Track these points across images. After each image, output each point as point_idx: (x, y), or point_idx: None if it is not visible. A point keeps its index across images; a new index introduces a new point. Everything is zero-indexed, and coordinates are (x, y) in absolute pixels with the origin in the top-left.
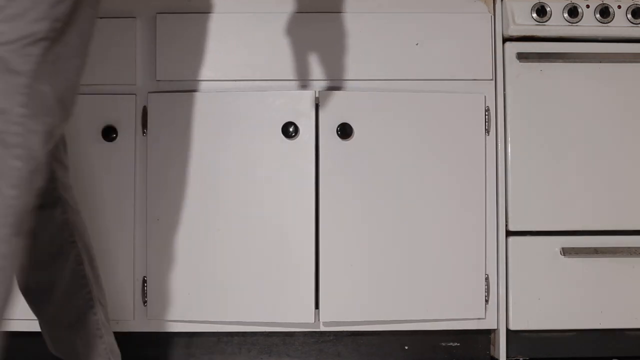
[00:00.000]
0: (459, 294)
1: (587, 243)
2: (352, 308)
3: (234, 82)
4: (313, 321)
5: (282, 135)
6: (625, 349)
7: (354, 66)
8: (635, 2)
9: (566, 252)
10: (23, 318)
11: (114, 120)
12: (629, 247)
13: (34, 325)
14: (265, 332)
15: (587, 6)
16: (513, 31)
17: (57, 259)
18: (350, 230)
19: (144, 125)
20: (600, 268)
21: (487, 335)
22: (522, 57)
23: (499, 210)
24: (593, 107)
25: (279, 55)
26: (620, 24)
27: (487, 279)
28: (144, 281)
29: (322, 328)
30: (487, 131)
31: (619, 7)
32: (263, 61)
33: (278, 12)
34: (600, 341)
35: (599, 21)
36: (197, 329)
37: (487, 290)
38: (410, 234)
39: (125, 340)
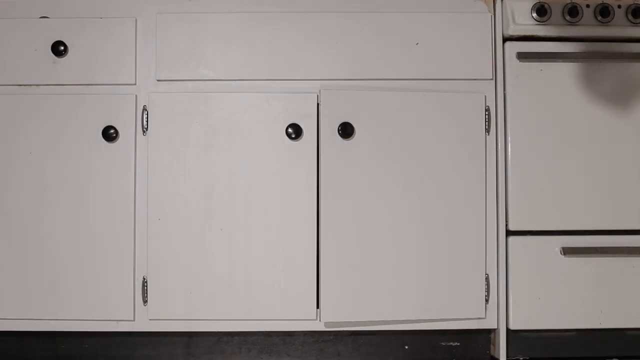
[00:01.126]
0: (459, 294)
1: (587, 243)
2: (352, 308)
3: (235, 82)
4: (314, 321)
5: (285, 136)
6: (625, 349)
7: (354, 66)
8: (636, 2)
9: (566, 251)
10: (18, 318)
11: (114, 120)
12: (629, 247)
13: (29, 325)
14: (265, 331)
15: (587, 6)
16: (513, 31)
17: None
18: (350, 230)
19: (144, 125)
20: (600, 268)
21: (487, 335)
22: (522, 56)
23: (499, 210)
24: (593, 106)
25: (280, 55)
26: (620, 24)
27: (487, 278)
28: (144, 281)
29: (323, 328)
30: (487, 131)
31: (619, 6)
32: (263, 61)
33: (278, 11)
34: (600, 341)
35: (599, 21)
36: (197, 328)
37: (487, 290)
38: (411, 234)
39: (125, 340)
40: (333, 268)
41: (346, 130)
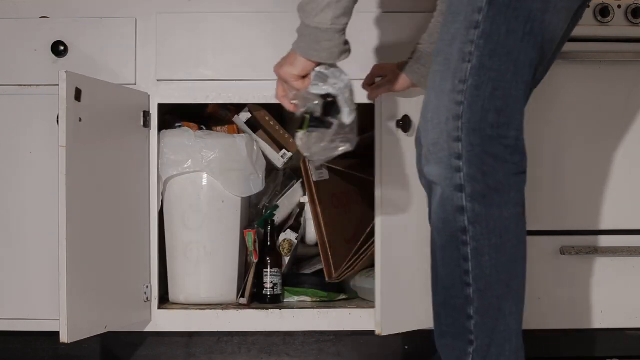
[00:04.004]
0: None
1: (587, 243)
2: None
3: (235, 81)
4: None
5: None
6: (625, 349)
7: (356, 65)
8: (636, 2)
9: (566, 251)
10: (18, 318)
11: None
12: (629, 247)
13: (29, 325)
14: (265, 331)
15: (587, 6)
16: None
17: None
18: None
19: (145, 124)
20: (600, 268)
21: None
22: None
23: None
24: (592, 106)
25: (280, 55)
26: (620, 24)
27: None
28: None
29: (323, 328)
30: None
31: (619, 6)
32: (264, 61)
33: (279, 11)
34: (600, 341)
35: (599, 21)
36: (197, 328)
37: None
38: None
39: (125, 340)
40: None
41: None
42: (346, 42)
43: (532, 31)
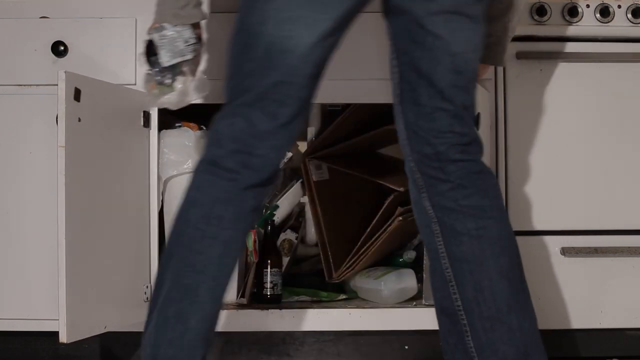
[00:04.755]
0: None
1: (587, 243)
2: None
3: None
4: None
5: None
6: (625, 349)
7: (355, 64)
8: (636, 2)
9: (566, 251)
10: (18, 318)
11: None
12: (629, 247)
13: (29, 325)
14: (265, 331)
15: (587, 6)
16: None
17: None
18: None
19: (145, 124)
20: (600, 268)
21: None
22: (521, 56)
23: None
24: (593, 106)
25: None
26: (620, 24)
27: None
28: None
29: (323, 328)
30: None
31: (619, 6)
32: None
33: None
34: (600, 341)
35: (599, 21)
36: None
37: None
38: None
39: (125, 340)
40: None
41: None
42: (185, 7)
43: (247, 44)
